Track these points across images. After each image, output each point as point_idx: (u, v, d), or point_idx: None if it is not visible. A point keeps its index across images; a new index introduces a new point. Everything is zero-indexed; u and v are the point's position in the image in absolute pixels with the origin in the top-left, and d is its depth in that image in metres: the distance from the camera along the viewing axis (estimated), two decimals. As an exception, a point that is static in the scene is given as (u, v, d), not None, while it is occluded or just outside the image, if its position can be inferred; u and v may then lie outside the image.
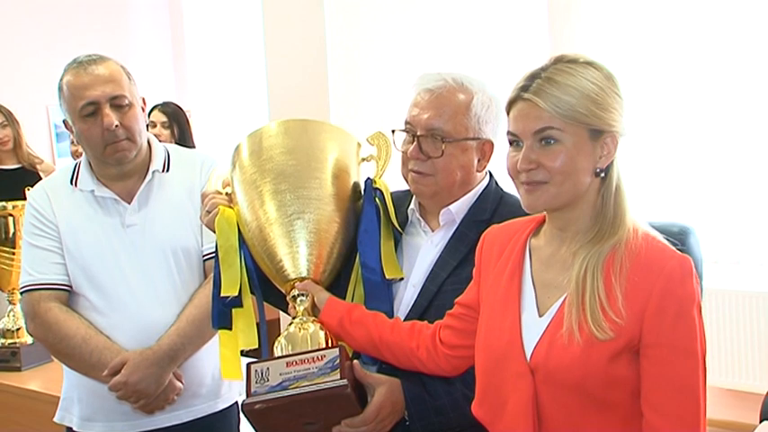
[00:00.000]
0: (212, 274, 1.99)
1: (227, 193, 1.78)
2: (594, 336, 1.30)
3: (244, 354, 1.76)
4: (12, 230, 3.03)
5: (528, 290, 1.44)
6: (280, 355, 1.60)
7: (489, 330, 1.46)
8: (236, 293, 1.71)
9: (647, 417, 1.31)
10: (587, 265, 1.34)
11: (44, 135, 5.50)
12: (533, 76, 1.37)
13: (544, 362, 1.35)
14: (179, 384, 2.02)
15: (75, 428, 2.12)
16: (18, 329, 3.00)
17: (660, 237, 1.38)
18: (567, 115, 1.33)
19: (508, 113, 1.41)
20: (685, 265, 1.33)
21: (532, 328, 1.40)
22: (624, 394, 1.33)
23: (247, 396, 1.55)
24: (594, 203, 1.39)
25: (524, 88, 1.37)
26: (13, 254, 3.02)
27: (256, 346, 1.74)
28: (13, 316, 3.03)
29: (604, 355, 1.31)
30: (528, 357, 1.37)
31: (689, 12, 4.07)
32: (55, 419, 2.17)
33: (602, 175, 1.37)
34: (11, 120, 4.40)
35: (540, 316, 1.40)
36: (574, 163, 1.34)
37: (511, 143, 1.41)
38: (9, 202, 3.04)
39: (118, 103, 1.99)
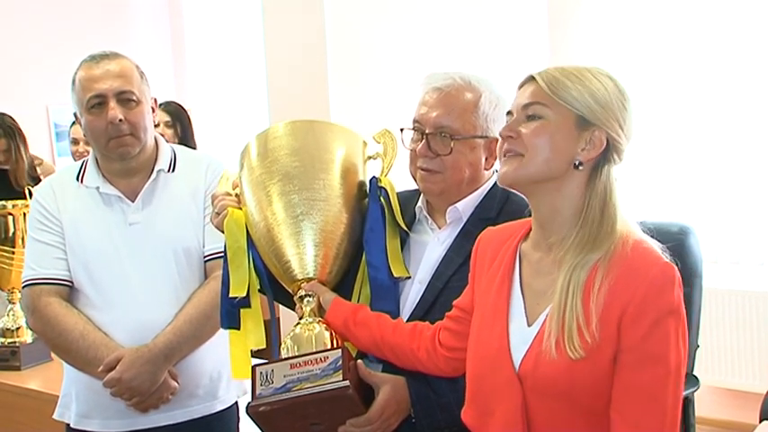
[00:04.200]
0: (213, 275, 2.00)
1: (236, 195, 1.79)
2: (568, 354, 1.30)
3: (254, 353, 1.77)
4: (11, 230, 3.03)
5: (517, 297, 1.44)
6: (285, 356, 1.61)
7: (479, 337, 1.46)
8: (245, 294, 1.72)
9: (611, 418, 1.31)
10: (570, 280, 1.33)
11: (44, 135, 5.50)
12: (549, 67, 1.41)
13: (532, 371, 1.35)
14: (174, 383, 2.02)
15: (72, 425, 2.12)
16: (18, 329, 2.99)
17: (651, 241, 1.37)
18: (559, 95, 1.36)
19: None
20: (667, 273, 1.32)
21: (521, 336, 1.39)
22: None
23: (252, 398, 1.55)
24: (577, 206, 1.38)
25: (537, 72, 1.41)
26: (13, 253, 3.01)
27: (264, 346, 1.75)
28: (13, 315, 3.02)
29: (589, 369, 1.31)
30: (516, 366, 1.37)
31: (689, 13, 4.07)
32: (54, 416, 2.18)
33: (581, 168, 1.37)
34: (11, 133, 4.01)
35: (530, 325, 1.40)
36: (552, 140, 1.36)
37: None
38: (9, 201, 3.04)
39: (125, 99, 2.01)
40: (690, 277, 2.21)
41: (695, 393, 2.43)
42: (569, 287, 1.33)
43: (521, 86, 1.43)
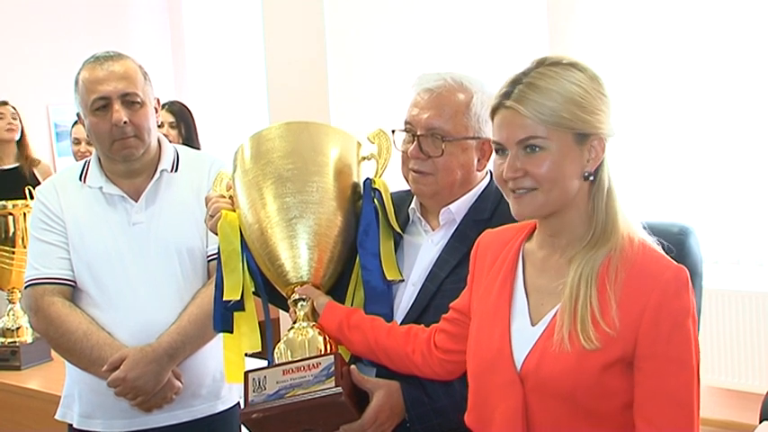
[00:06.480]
0: (215, 276, 2.00)
1: (229, 197, 1.78)
2: (583, 346, 1.29)
3: (251, 354, 1.77)
4: (11, 230, 3.03)
5: (520, 297, 1.43)
6: (279, 360, 1.61)
7: (479, 338, 1.45)
8: (239, 297, 1.71)
9: (639, 428, 1.31)
10: (581, 273, 1.33)
11: (44, 135, 5.50)
12: (515, 82, 1.35)
13: (535, 371, 1.34)
14: (178, 383, 2.03)
15: (75, 425, 2.12)
16: (18, 328, 3.00)
17: (655, 245, 1.37)
18: (550, 121, 1.32)
19: (492, 120, 1.39)
20: (681, 277, 1.31)
21: (524, 336, 1.39)
22: (615, 406, 1.32)
23: (245, 405, 1.55)
24: (586, 208, 1.37)
25: (506, 95, 1.35)
26: (13, 253, 3.02)
27: (260, 349, 1.75)
28: (13, 315, 3.03)
29: (596, 365, 1.30)
30: (518, 366, 1.37)
31: (689, 11, 4.07)
32: (56, 416, 2.18)
33: (591, 178, 1.36)
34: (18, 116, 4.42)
35: (534, 324, 1.39)
36: (561, 169, 1.33)
37: (496, 151, 1.40)
38: (9, 202, 3.04)
39: (129, 101, 2.01)
40: (690, 277, 2.21)
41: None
42: (581, 279, 1.32)
43: (495, 113, 1.37)
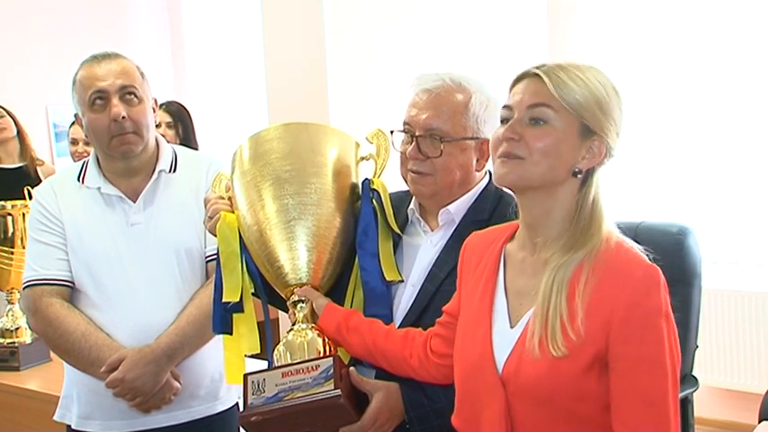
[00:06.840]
0: (213, 277, 2.00)
1: (229, 198, 1.78)
2: (551, 353, 1.29)
3: (249, 356, 1.77)
4: (11, 230, 3.03)
5: (500, 299, 1.43)
6: (278, 362, 1.61)
7: (464, 341, 1.45)
8: (238, 299, 1.71)
9: (615, 430, 1.31)
10: (555, 278, 1.33)
11: (43, 135, 5.49)
12: (545, 63, 1.38)
13: (514, 375, 1.34)
14: (176, 384, 2.02)
15: (73, 426, 2.12)
16: (17, 329, 2.99)
17: (633, 245, 1.37)
18: (566, 100, 1.33)
19: (510, 91, 1.40)
20: (652, 275, 1.31)
21: (504, 339, 1.39)
22: (594, 408, 1.32)
23: (244, 408, 1.56)
24: (569, 209, 1.37)
25: (536, 67, 1.37)
26: (12, 253, 3.01)
27: (258, 351, 1.75)
28: (12, 315, 3.02)
29: (572, 369, 1.29)
30: (500, 369, 1.36)
31: (688, 12, 4.07)
32: (55, 417, 2.18)
33: (579, 176, 1.36)
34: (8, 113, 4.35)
35: (512, 326, 1.39)
36: (556, 149, 1.34)
37: (502, 121, 1.40)
38: (8, 202, 3.04)
39: (127, 96, 2.01)
40: (689, 277, 2.20)
41: (694, 394, 2.43)
42: (554, 285, 1.32)
43: (519, 80, 1.39)
